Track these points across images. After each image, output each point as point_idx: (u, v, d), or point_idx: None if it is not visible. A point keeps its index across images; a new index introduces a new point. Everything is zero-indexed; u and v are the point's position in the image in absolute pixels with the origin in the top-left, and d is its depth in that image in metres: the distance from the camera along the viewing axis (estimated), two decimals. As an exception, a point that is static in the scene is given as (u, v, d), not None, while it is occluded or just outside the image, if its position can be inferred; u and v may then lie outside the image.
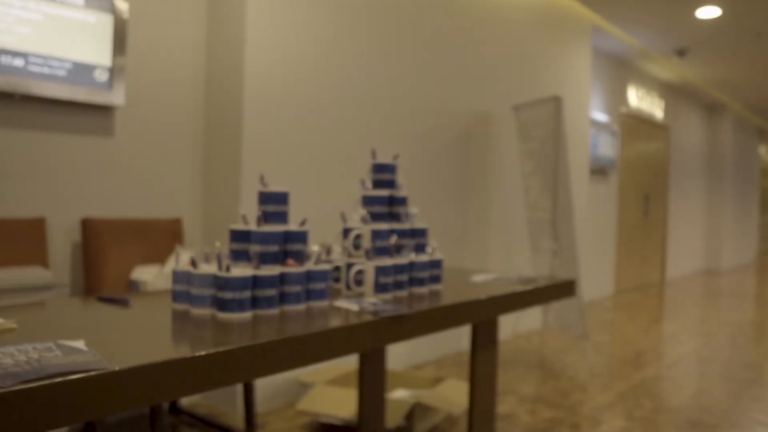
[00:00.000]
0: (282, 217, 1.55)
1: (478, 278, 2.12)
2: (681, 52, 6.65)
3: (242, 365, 1.14)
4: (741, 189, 11.06)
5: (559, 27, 5.22)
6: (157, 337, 1.20)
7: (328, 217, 3.00)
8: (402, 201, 1.87)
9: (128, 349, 1.08)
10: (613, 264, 7.25)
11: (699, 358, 4.24)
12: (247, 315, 1.37)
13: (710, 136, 10.39)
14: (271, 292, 1.42)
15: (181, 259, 1.57)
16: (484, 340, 1.94)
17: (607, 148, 6.73)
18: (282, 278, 1.46)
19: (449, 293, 1.82)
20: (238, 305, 1.36)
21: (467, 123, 4.19)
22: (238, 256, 1.54)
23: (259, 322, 1.33)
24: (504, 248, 4.65)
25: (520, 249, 4.78)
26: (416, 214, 1.92)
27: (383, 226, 1.75)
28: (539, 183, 4.16)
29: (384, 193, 1.82)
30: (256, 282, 1.41)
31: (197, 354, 1.06)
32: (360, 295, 1.66)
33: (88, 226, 2.55)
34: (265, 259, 1.49)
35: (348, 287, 1.70)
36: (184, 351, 1.07)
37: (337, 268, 1.75)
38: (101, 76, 2.57)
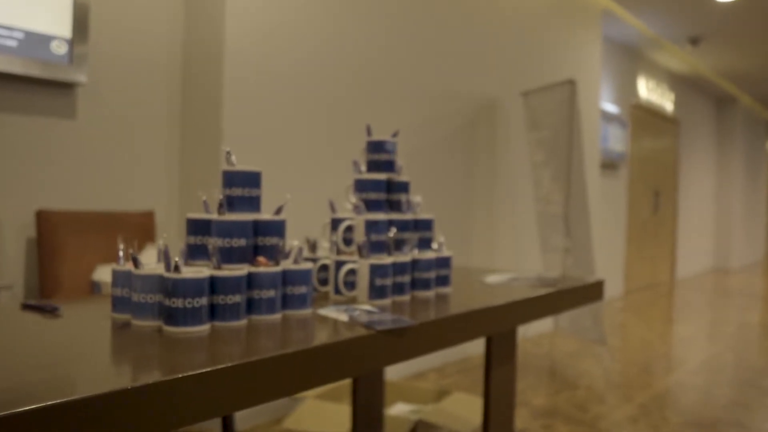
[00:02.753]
0: (252, 204, 1.23)
1: (491, 279, 1.80)
2: (695, 41, 6.34)
3: (193, 400, 0.83)
4: (750, 185, 10.75)
5: (569, 11, 4.90)
6: (76, 360, 0.88)
7: (316, 206, 2.68)
8: (403, 187, 1.55)
9: (25, 381, 0.77)
10: (623, 263, 6.94)
11: (722, 363, 3.92)
12: (202, 329, 1.06)
13: (720, 131, 10.07)
14: (236, 298, 1.11)
15: (142, 257, 1.27)
16: (502, 354, 1.62)
17: (617, 141, 6.41)
18: (250, 280, 1.15)
19: (460, 298, 1.51)
20: (192, 316, 1.05)
21: (472, 110, 3.88)
22: (197, 252, 1.22)
23: (219, 338, 1.03)
24: (512, 245, 4.33)
25: (529, 246, 4.46)
26: (419, 203, 1.60)
27: (380, 216, 1.43)
28: (550, 174, 3.84)
29: (381, 176, 1.51)
30: (215, 285, 1.10)
31: (117, 389, 0.74)
32: (351, 301, 1.35)
33: (44, 219, 2.23)
34: (228, 256, 1.17)
35: (337, 291, 1.38)
36: (102, 384, 0.75)
37: (323, 268, 1.43)
38: (59, 48, 2.25)
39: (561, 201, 3.77)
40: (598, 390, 3.26)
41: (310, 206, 2.67)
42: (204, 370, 0.84)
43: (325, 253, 1.47)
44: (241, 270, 1.13)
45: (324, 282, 1.44)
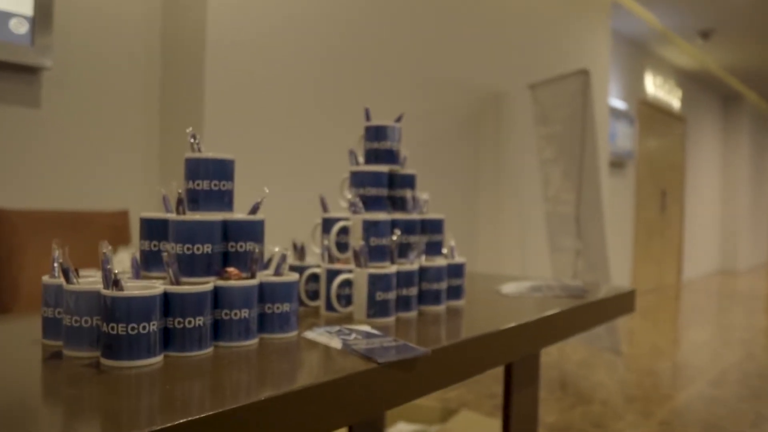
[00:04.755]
0: (222, 200, 0.99)
1: (509, 289, 1.56)
2: (705, 34, 6.10)
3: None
4: (756, 186, 10.52)
5: (577, 1, 4.66)
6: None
7: (306, 204, 2.43)
8: (408, 181, 1.31)
9: None
10: (630, 265, 6.69)
11: (745, 373, 3.68)
12: (153, 362, 0.82)
13: (726, 129, 9.84)
14: (198, 320, 0.86)
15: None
16: (524, 377, 1.38)
17: (625, 138, 6.17)
18: (217, 297, 0.91)
19: (477, 315, 1.27)
20: (138, 345, 0.80)
21: (475, 102, 3.63)
22: (153, 261, 0.98)
23: (173, 375, 0.79)
24: (518, 247, 4.08)
25: (536, 247, 4.21)
26: (427, 201, 1.36)
27: (381, 216, 1.19)
28: (561, 172, 3.60)
29: (382, 168, 1.26)
30: (170, 304, 0.85)
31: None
32: (346, 320, 1.11)
33: (2, 219, 1.98)
34: (189, 266, 0.93)
35: (329, 307, 1.14)
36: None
37: (312, 278, 1.19)
38: (19, 27, 2.01)
39: (572, 200, 3.53)
40: (615, 404, 3.02)
41: (300, 203, 2.42)
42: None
43: (315, 261, 1.23)
44: (205, 284, 0.88)
45: (313, 296, 1.19)
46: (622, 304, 1.61)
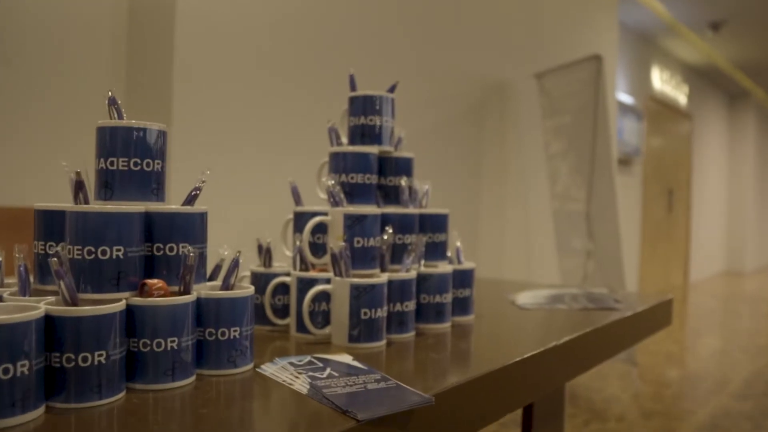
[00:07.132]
0: (146, 185, 0.72)
1: (525, 300, 1.30)
2: (716, 26, 5.84)
3: None
4: (763, 185, 10.26)
5: (584, -13, 4.40)
6: None
7: (280, 197, 2.16)
8: (403, 166, 1.05)
9: None
10: (636, 266, 6.43)
11: None
12: (26, 420, 0.55)
13: (731, 126, 9.58)
14: (98, 355, 0.60)
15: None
16: (549, 415, 1.11)
17: (632, 134, 5.91)
18: (133, 322, 0.64)
19: (490, 335, 1.00)
20: (3, 395, 0.53)
21: (478, 93, 3.37)
22: (50, 269, 0.71)
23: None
24: (523, 247, 3.81)
25: (542, 248, 3.94)
26: (428, 192, 1.09)
27: (368, 209, 0.92)
28: (570, 167, 3.34)
29: (370, 149, 1.00)
30: (57, 335, 0.59)
31: None
32: (322, 344, 0.84)
33: (-66, 217, 1.71)
34: (93, 277, 0.66)
35: (300, 327, 0.87)
36: None
37: (280, 289, 0.92)
38: (-44, -5, 1.74)
39: (582, 197, 3.26)
40: (632, 421, 2.76)
41: (272, 194, 2.16)
42: None
43: (283, 267, 0.96)
44: (113, 303, 0.62)
45: (283, 312, 0.93)
46: (659, 316, 1.35)
